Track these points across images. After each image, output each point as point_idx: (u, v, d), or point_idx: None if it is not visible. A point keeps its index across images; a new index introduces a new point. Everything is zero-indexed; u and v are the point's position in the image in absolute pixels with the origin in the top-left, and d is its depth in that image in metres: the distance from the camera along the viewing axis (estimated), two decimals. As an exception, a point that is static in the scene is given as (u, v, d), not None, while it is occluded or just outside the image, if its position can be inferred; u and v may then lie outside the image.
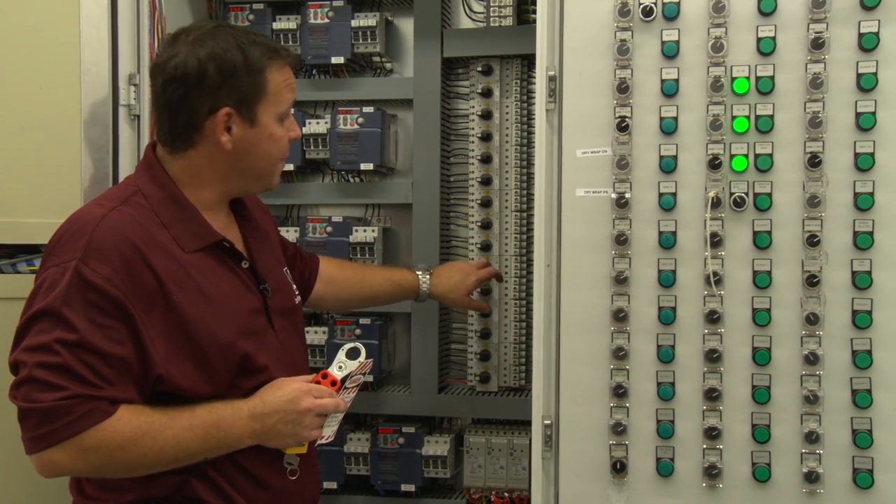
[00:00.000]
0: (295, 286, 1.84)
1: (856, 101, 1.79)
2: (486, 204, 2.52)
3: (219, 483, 1.57)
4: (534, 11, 2.21)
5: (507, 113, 2.52)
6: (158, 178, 1.62)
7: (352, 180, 2.61)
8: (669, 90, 1.88)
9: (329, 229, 2.53)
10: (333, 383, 1.66)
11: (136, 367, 1.47)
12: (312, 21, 2.54)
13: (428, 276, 2.25)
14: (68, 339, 1.43)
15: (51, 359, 1.42)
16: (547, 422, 1.94)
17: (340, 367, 1.68)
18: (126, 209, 1.55)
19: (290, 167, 2.57)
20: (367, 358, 1.71)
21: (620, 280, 1.89)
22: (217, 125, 1.58)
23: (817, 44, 1.80)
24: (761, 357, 1.83)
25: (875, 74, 1.78)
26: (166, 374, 1.50)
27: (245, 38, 1.61)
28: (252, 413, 1.55)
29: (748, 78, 1.84)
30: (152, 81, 1.62)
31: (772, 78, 1.83)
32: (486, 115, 2.52)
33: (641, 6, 1.88)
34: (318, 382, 1.65)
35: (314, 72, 2.62)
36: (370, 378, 2.48)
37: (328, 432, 1.67)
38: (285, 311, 1.74)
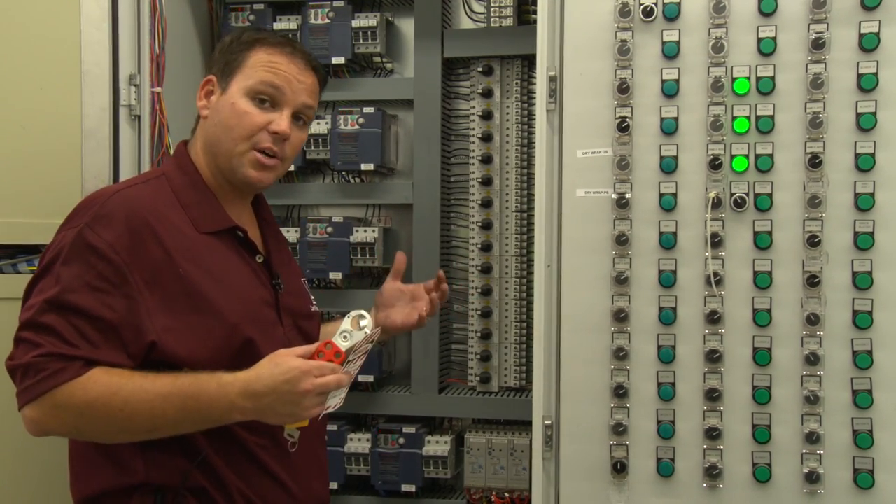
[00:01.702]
0: (313, 297, 1.84)
1: (856, 102, 1.79)
2: (486, 204, 2.52)
3: (223, 477, 1.56)
4: (534, 12, 2.21)
5: (507, 113, 2.52)
6: (184, 166, 1.67)
7: (352, 180, 2.61)
8: (670, 90, 1.88)
9: (330, 229, 2.53)
10: (338, 354, 1.52)
11: (127, 334, 1.47)
12: (313, 21, 2.54)
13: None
14: (57, 299, 1.45)
15: (37, 318, 1.45)
16: (547, 422, 1.94)
17: (345, 337, 1.53)
18: (145, 187, 1.59)
19: (290, 167, 2.56)
20: (372, 328, 1.56)
21: (621, 280, 1.89)
22: (200, 91, 1.68)
23: (818, 44, 1.80)
24: (762, 357, 1.83)
25: (876, 75, 1.78)
26: (160, 342, 1.49)
27: (264, 30, 1.72)
28: (245, 391, 1.46)
29: (749, 78, 1.84)
30: None
31: (772, 78, 1.83)
32: (487, 116, 2.52)
33: (642, 6, 1.88)
34: (320, 352, 1.51)
35: (314, 72, 2.61)
36: (370, 378, 2.48)
37: (333, 402, 1.54)
38: (297, 314, 1.73)
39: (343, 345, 1.52)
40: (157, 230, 1.52)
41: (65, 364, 1.43)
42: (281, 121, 1.63)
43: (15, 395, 1.47)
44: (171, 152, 1.92)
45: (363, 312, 1.57)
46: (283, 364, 1.47)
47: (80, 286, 1.45)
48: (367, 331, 1.54)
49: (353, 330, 1.54)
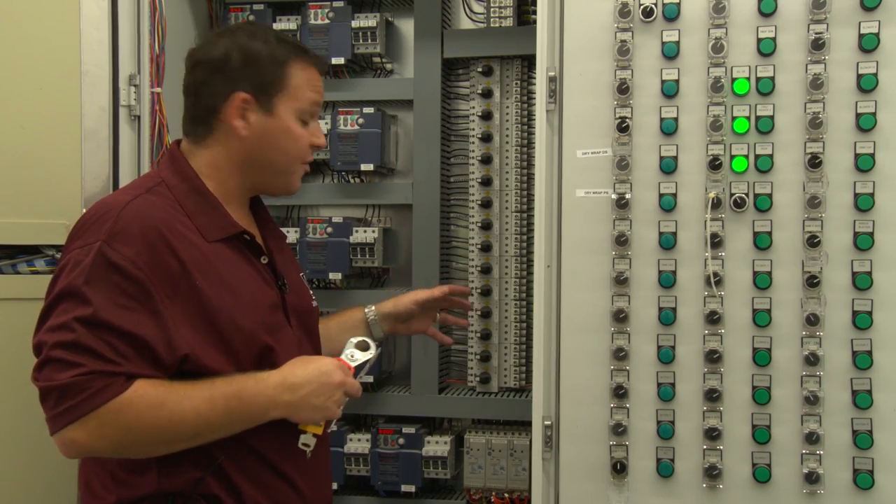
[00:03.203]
0: (312, 292, 1.85)
1: (856, 102, 1.80)
2: (486, 205, 2.52)
3: (237, 483, 1.56)
4: (534, 12, 2.21)
5: (507, 114, 2.52)
6: (181, 170, 1.65)
7: (352, 181, 2.61)
8: (670, 91, 1.88)
9: (329, 230, 2.53)
10: (348, 371, 1.63)
11: (159, 348, 1.47)
12: (312, 22, 2.54)
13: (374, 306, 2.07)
14: (87, 317, 1.43)
15: (69, 337, 1.43)
16: (547, 422, 1.94)
17: (352, 356, 1.66)
18: (150, 197, 1.58)
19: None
20: (376, 351, 1.69)
21: (621, 281, 1.89)
22: (232, 108, 1.63)
23: (817, 44, 1.80)
24: (761, 358, 1.83)
25: (875, 75, 1.78)
26: (193, 355, 1.50)
27: (275, 35, 1.69)
28: (282, 384, 1.52)
29: (748, 79, 1.84)
30: (185, 69, 1.70)
31: (772, 79, 1.83)
32: (487, 116, 2.52)
33: (642, 7, 1.88)
34: None
35: (314, 72, 2.61)
36: (370, 378, 2.49)
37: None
38: (300, 311, 1.74)
39: (352, 363, 1.65)
40: (172, 242, 1.51)
41: (109, 381, 1.42)
42: (320, 134, 1.73)
43: (47, 419, 1.44)
44: None
45: (367, 339, 1.69)
46: (315, 361, 1.59)
47: (109, 305, 1.44)
48: (371, 353, 1.67)
49: (357, 351, 1.67)
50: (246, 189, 1.71)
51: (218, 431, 1.51)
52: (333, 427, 1.66)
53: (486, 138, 2.52)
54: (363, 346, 1.68)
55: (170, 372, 1.49)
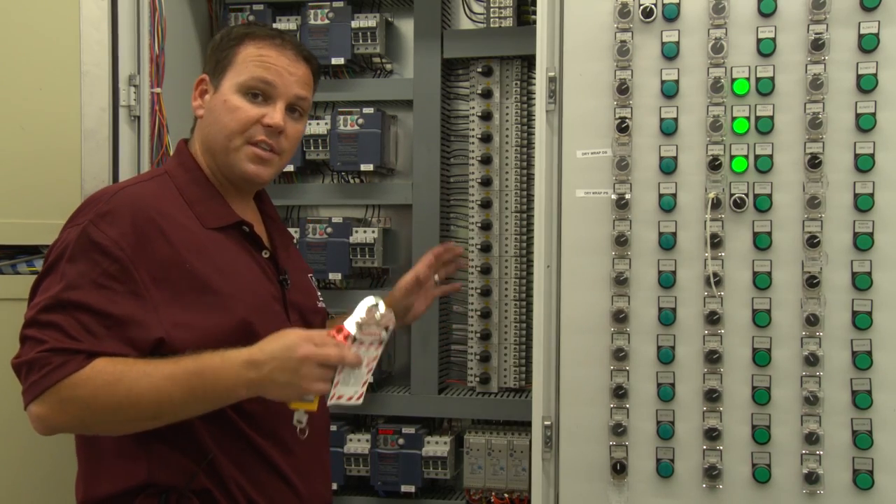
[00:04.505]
0: (319, 294, 1.84)
1: (856, 102, 1.80)
2: (486, 205, 2.52)
3: (229, 478, 1.55)
4: (534, 12, 2.21)
5: (507, 114, 2.52)
6: (186, 163, 1.67)
7: (352, 181, 2.61)
8: (669, 91, 1.88)
9: (329, 230, 2.53)
10: (340, 331, 1.52)
11: (133, 330, 1.47)
12: (312, 22, 2.54)
13: None
14: (62, 295, 1.45)
15: (41, 315, 1.45)
16: (547, 423, 1.94)
17: (358, 322, 1.53)
18: (150, 184, 1.60)
19: (290, 168, 2.57)
20: (384, 312, 1.55)
21: (620, 281, 1.89)
22: (195, 92, 1.69)
23: (817, 45, 1.80)
24: (761, 358, 1.83)
25: (875, 75, 1.78)
26: (169, 339, 1.49)
27: (257, 24, 1.73)
28: (248, 361, 1.45)
29: (748, 79, 1.84)
30: None
31: (772, 79, 1.83)
32: (486, 116, 2.52)
33: (641, 7, 1.88)
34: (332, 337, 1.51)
35: (314, 73, 2.62)
36: (370, 378, 2.48)
37: (347, 392, 1.52)
38: (303, 310, 1.73)
39: (352, 328, 1.52)
40: (163, 227, 1.52)
41: (68, 358, 1.43)
42: (274, 114, 1.63)
43: (21, 394, 1.46)
44: (171, 152, 1.93)
45: (373, 298, 1.56)
46: (285, 335, 1.48)
47: (85, 283, 1.45)
48: (378, 314, 1.54)
49: (362, 314, 1.53)
50: (222, 176, 1.68)
51: (184, 410, 1.47)
52: (348, 401, 1.54)
53: (486, 138, 2.52)
54: (370, 307, 1.54)
55: (144, 354, 1.48)
